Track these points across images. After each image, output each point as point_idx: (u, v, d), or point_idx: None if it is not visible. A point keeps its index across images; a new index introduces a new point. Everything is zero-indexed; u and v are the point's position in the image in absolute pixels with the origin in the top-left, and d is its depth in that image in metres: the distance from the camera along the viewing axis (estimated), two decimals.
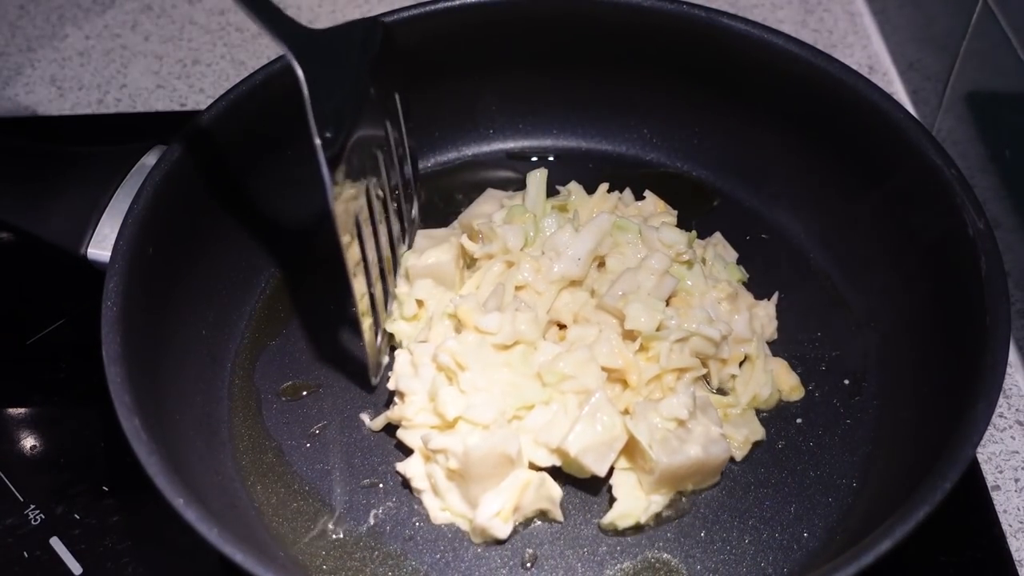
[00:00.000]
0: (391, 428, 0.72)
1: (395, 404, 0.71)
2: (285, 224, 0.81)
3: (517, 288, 0.73)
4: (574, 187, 0.81)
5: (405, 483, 0.70)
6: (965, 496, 0.71)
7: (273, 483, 0.70)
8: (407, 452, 0.70)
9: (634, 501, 0.68)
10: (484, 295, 0.73)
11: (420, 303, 0.75)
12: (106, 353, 0.63)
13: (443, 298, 0.74)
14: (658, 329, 0.70)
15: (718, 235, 0.80)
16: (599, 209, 0.79)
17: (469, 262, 0.77)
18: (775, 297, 0.77)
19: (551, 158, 0.87)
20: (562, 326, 0.73)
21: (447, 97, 0.85)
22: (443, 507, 0.68)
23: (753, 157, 0.84)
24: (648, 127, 0.87)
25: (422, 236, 0.78)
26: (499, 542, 0.67)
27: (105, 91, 0.99)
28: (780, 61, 0.78)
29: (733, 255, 0.80)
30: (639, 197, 0.81)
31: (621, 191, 0.81)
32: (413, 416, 0.69)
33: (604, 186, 0.81)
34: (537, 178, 0.79)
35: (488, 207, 0.80)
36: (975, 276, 0.66)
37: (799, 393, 0.74)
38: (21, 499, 0.71)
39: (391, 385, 0.71)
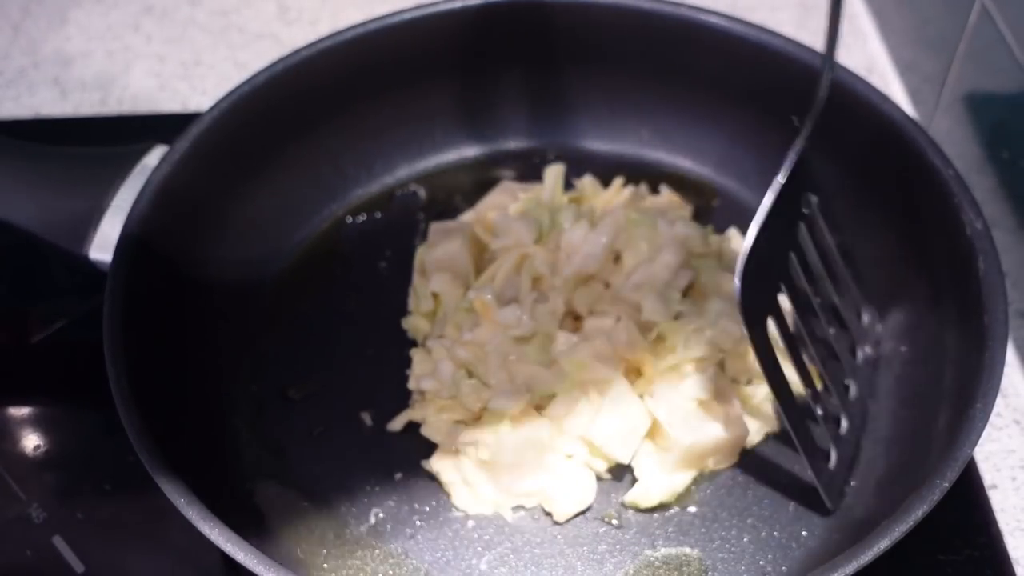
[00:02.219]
0: (389, 428, 0.72)
1: (415, 403, 0.72)
2: (286, 224, 0.81)
3: (533, 280, 0.73)
4: (588, 181, 0.82)
5: (406, 487, 0.70)
6: (962, 495, 0.71)
7: (274, 482, 0.70)
8: (406, 456, 0.70)
9: (656, 480, 0.69)
10: (500, 288, 0.73)
11: (436, 297, 0.75)
12: (108, 353, 0.63)
13: (458, 293, 0.75)
14: (675, 319, 0.70)
15: (733, 230, 0.81)
16: (614, 203, 0.79)
17: (482, 253, 0.78)
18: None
19: (552, 158, 0.88)
20: (577, 317, 0.73)
21: (447, 97, 0.85)
22: (475, 498, 0.69)
23: (753, 157, 0.84)
24: (648, 128, 0.87)
25: (436, 228, 0.79)
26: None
27: (107, 92, 0.99)
28: (779, 62, 0.78)
29: None
30: (654, 192, 0.82)
31: (636, 186, 0.82)
32: (436, 412, 0.70)
33: (619, 180, 0.81)
34: (554, 172, 0.80)
35: (503, 199, 0.81)
36: (973, 276, 0.66)
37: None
38: (24, 498, 0.72)
39: (411, 385, 0.72)
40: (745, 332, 0.62)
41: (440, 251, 0.76)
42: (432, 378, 0.71)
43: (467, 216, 0.82)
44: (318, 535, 0.68)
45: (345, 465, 0.71)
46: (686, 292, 0.73)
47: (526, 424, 0.68)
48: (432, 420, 0.70)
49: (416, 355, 0.73)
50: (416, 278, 0.78)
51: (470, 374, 0.70)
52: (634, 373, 0.71)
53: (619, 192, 0.81)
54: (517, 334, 0.71)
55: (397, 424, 0.72)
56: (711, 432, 0.68)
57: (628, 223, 0.75)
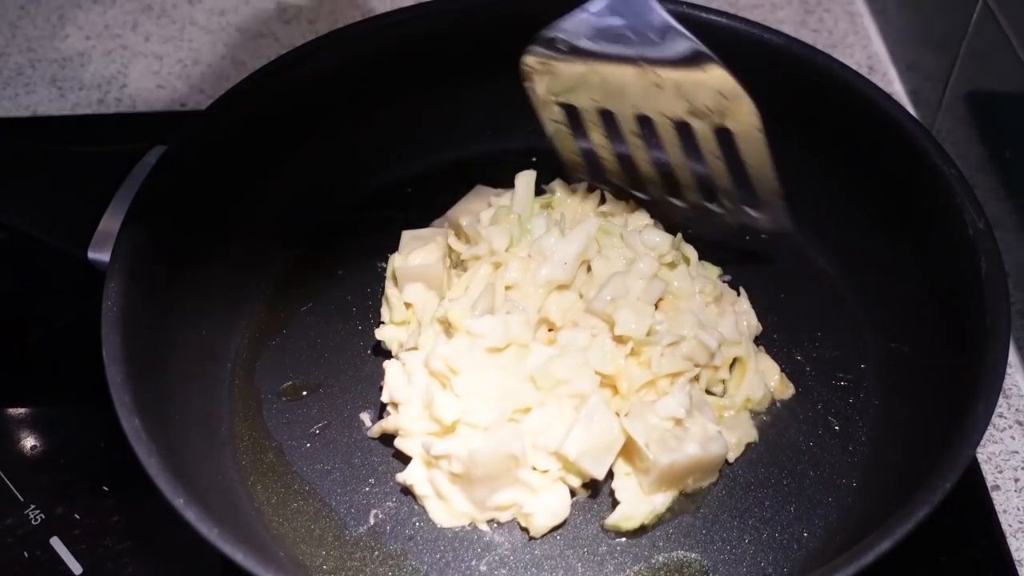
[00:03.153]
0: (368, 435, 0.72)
1: (389, 414, 0.71)
2: (286, 224, 0.81)
3: (506, 288, 0.72)
4: (558, 184, 0.81)
5: (406, 490, 0.69)
6: (965, 496, 0.71)
7: (273, 483, 0.70)
8: (404, 458, 0.70)
9: (637, 503, 0.68)
10: (473, 297, 0.72)
11: (409, 306, 0.75)
12: (106, 353, 0.63)
13: (432, 303, 0.74)
14: (648, 334, 0.69)
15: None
16: (583, 208, 0.79)
17: (456, 261, 0.77)
18: (743, 292, 0.77)
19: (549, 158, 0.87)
20: (551, 327, 0.73)
21: (444, 97, 0.85)
22: (448, 511, 0.68)
23: None
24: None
25: (409, 237, 0.78)
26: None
27: (105, 91, 0.99)
28: (779, 61, 0.78)
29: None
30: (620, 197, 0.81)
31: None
32: (409, 424, 0.69)
33: (583, 185, 0.80)
34: (525, 180, 0.78)
35: (476, 204, 0.80)
36: (975, 276, 0.66)
37: (788, 391, 0.74)
38: (21, 499, 0.72)
39: (384, 397, 0.70)
40: None
41: (413, 260, 0.75)
42: (406, 389, 0.70)
43: (439, 222, 0.81)
44: (317, 536, 0.68)
45: (344, 465, 0.71)
46: (657, 304, 0.72)
47: (499, 437, 0.66)
48: (405, 432, 0.69)
49: (389, 367, 0.71)
50: (388, 287, 0.76)
51: (443, 386, 0.69)
52: (610, 387, 0.70)
53: (585, 197, 0.80)
54: (491, 345, 0.69)
55: (373, 433, 0.72)
56: (689, 451, 0.66)
57: (599, 232, 0.74)
